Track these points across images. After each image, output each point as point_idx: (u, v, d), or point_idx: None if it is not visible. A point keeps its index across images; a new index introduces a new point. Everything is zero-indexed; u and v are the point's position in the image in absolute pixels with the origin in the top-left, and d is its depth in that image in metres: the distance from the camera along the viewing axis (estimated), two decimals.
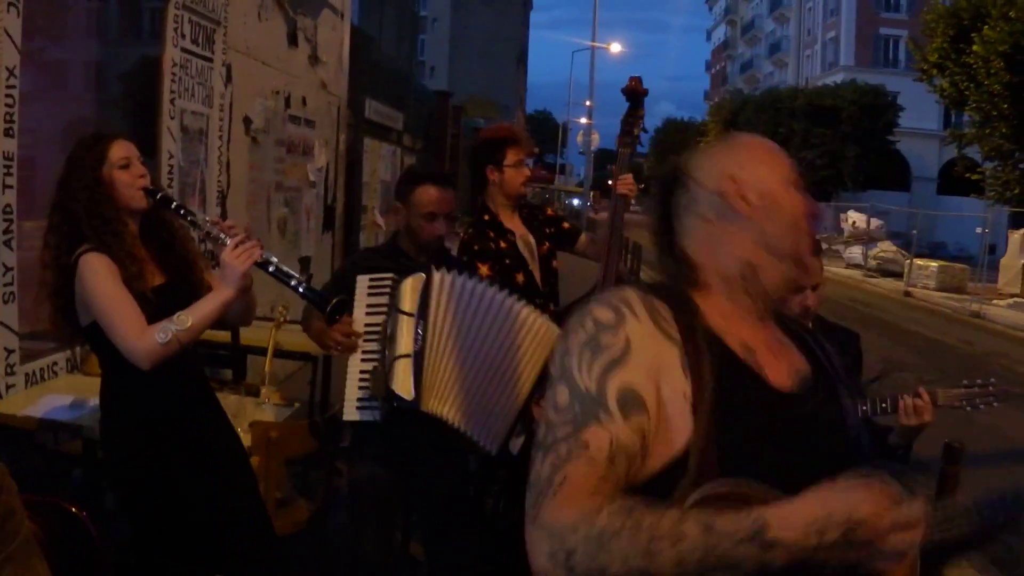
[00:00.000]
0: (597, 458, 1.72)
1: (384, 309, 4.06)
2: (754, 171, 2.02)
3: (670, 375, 1.83)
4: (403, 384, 3.97)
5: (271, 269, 3.45)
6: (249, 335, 6.50)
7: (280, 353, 5.93)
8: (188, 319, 3.36)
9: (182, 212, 3.57)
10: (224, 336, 6.55)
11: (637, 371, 1.81)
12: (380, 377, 4.00)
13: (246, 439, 4.52)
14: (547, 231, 5.15)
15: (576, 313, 1.92)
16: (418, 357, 3.99)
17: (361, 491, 4.27)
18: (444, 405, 4.02)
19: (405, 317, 4.02)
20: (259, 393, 5.28)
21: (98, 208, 3.49)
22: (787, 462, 1.80)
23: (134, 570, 3.72)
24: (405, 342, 4.01)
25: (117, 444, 3.69)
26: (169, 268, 3.59)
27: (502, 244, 4.91)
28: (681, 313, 1.92)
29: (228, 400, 4.71)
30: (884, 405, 4.17)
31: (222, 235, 3.46)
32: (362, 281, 4.12)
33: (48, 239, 3.54)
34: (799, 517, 1.57)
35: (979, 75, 26.07)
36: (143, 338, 3.34)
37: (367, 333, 4.07)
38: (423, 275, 4.04)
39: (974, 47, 25.72)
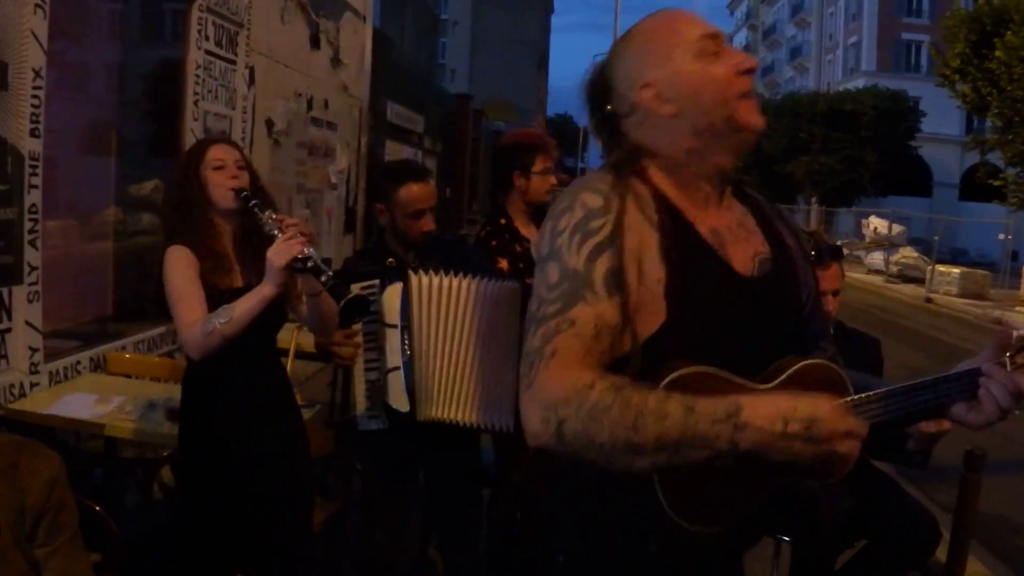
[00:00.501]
0: (584, 333, 1.90)
1: (376, 316, 4.05)
2: (663, 66, 2.09)
3: (649, 260, 1.99)
4: (397, 397, 3.99)
5: (309, 264, 3.45)
6: None
7: (301, 355, 5.94)
8: (230, 313, 3.42)
9: (255, 210, 3.61)
10: None
11: (622, 255, 1.96)
12: (379, 390, 4.03)
13: None
14: None
15: (566, 196, 2.06)
16: (407, 368, 3.99)
17: (373, 493, 4.29)
18: (442, 408, 4.01)
19: (390, 329, 4.02)
20: None
21: (188, 205, 3.64)
22: (748, 343, 2.04)
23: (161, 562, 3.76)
24: (393, 355, 4.01)
25: (190, 425, 3.83)
26: (259, 272, 3.62)
27: (517, 248, 4.92)
28: (660, 200, 2.07)
29: None
30: None
31: (277, 231, 3.49)
32: (354, 290, 4.06)
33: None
34: (769, 406, 1.79)
35: (1001, 80, 25.94)
36: (191, 328, 3.45)
37: (366, 342, 4.07)
38: (400, 284, 4.01)
39: (996, 52, 25.59)
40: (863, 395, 2.03)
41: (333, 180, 11.10)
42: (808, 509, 3.97)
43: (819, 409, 1.80)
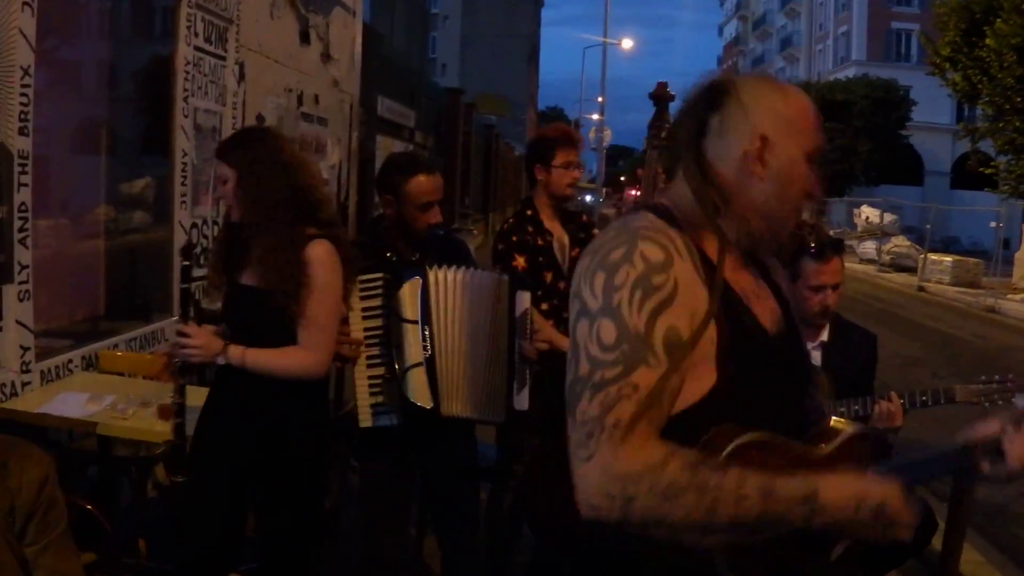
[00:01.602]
0: (646, 401, 1.83)
1: (380, 311, 4.03)
2: (787, 140, 2.09)
3: (703, 321, 1.93)
4: (421, 394, 4.00)
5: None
6: None
7: None
8: None
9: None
10: None
11: (682, 314, 1.91)
12: (394, 387, 4.01)
13: None
14: (580, 236, 5.12)
15: (621, 242, 1.97)
16: (430, 364, 4.01)
17: (374, 488, 4.28)
18: (459, 404, 4.05)
19: (409, 325, 4.01)
20: None
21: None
22: (782, 401, 2.07)
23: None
24: (414, 351, 4.01)
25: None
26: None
27: (539, 241, 4.92)
28: (705, 258, 2.02)
29: None
30: (924, 398, 4.18)
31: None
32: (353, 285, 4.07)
33: None
34: (845, 489, 1.84)
35: (992, 69, 25.97)
36: None
37: (368, 338, 4.04)
38: (419, 278, 4.01)
39: (987, 41, 25.62)
40: (907, 460, 2.10)
41: (324, 175, 11.09)
42: None
43: (889, 496, 1.87)
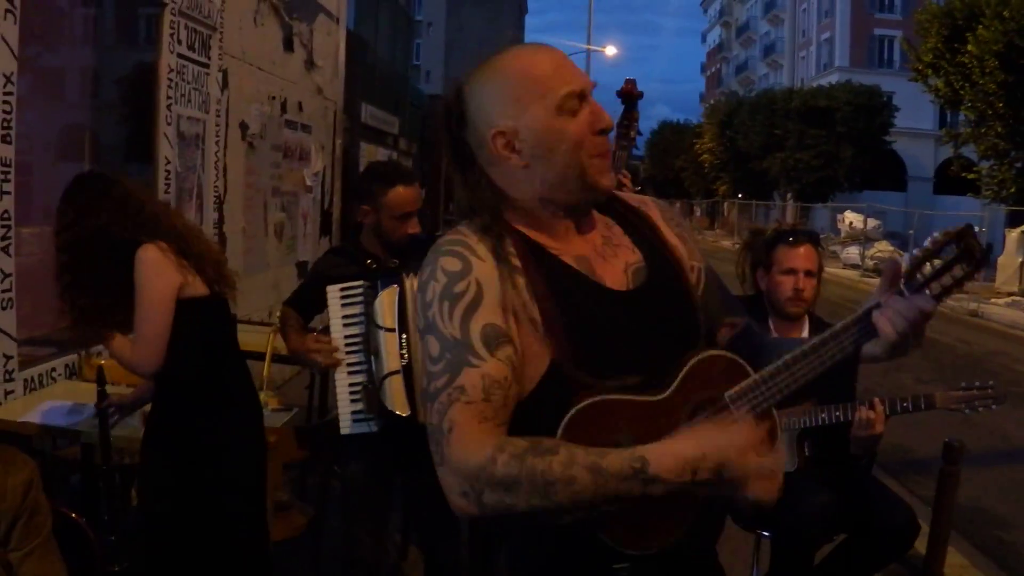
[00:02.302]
0: (474, 398, 1.90)
1: (360, 319, 4.04)
2: (520, 117, 2.06)
3: (521, 306, 2.00)
4: (398, 401, 3.97)
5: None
6: (247, 340, 6.48)
7: (278, 358, 5.91)
8: None
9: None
10: None
11: (493, 309, 1.98)
12: (372, 394, 4.01)
13: None
14: None
15: (427, 264, 2.05)
16: (407, 372, 3.98)
17: (354, 492, 4.28)
18: None
19: (387, 333, 3.99)
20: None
21: None
22: (642, 353, 2.06)
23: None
24: (392, 358, 3.98)
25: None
26: None
27: None
28: (520, 242, 2.08)
29: None
30: (905, 405, 4.20)
31: None
32: (332, 292, 4.08)
33: None
34: (675, 457, 1.80)
35: (974, 74, 26.08)
36: None
37: (348, 345, 4.06)
38: (396, 286, 3.99)
39: (968, 47, 25.74)
40: (765, 371, 2.05)
41: (308, 183, 11.08)
42: (787, 505, 3.99)
43: (727, 453, 1.82)
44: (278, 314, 5.82)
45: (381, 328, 3.99)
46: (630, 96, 4.71)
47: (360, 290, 4.03)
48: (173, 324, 3.65)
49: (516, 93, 2.06)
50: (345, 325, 4.05)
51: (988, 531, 7.57)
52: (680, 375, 2.04)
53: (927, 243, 2.05)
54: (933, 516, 6.17)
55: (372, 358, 4.01)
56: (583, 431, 1.91)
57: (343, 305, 4.06)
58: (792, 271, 4.39)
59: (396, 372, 3.98)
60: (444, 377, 1.93)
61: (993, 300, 25.59)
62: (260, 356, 5.71)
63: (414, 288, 3.98)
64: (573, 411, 1.93)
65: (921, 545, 5.74)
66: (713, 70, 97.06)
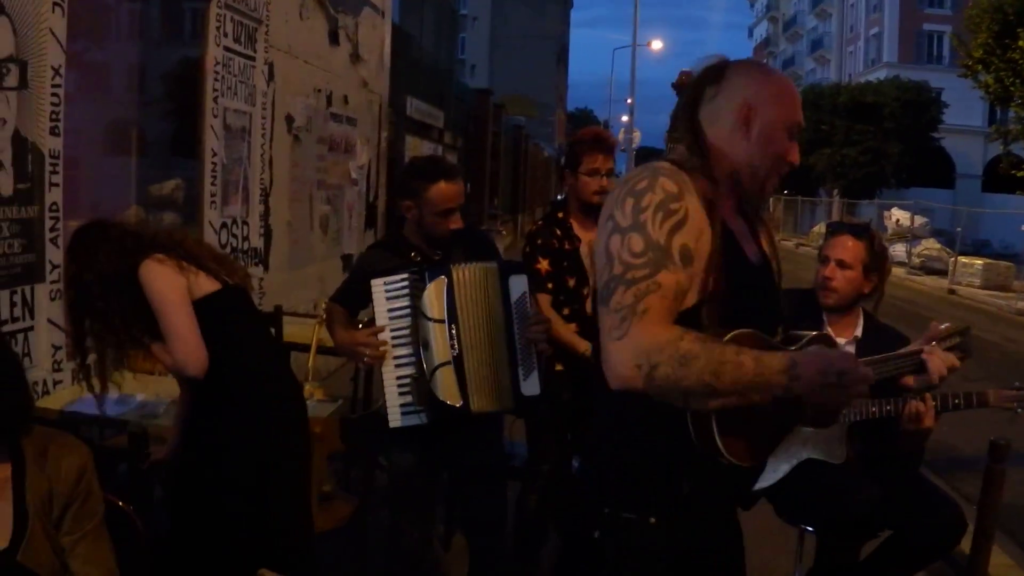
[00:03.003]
0: (668, 295, 2.32)
1: (407, 311, 4.04)
2: (768, 110, 2.58)
3: (705, 241, 2.41)
4: (450, 392, 4.01)
5: None
6: (292, 332, 6.53)
7: (323, 350, 5.93)
8: None
9: None
10: None
11: (692, 234, 2.38)
12: (423, 386, 4.01)
13: None
14: None
15: (645, 177, 2.43)
16: (458, 362, 4.02)
17: (400, 484, 4.29)
18: (487, 399, 4.06)
19: (436, 324, 4.02)
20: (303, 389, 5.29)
21: None
22: (760, 312, 2.55)
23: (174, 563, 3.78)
24: (442, 349, 4.01)
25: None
26: None
27: (566, 245, 4.89)
28: (706, 198, 2.47)
29: None
30: (957, 401, 4.17)
31: None
32: (377, 286, 4.06)
33: None
34: (816, 362, 2.27)
35: None
36: None
37: (395, 337, 4.05)
38: (444, 278, 4.01)
39: (1019, 43, 25.49)
40: (872, 357, 2.78)
41: (353, 176, 11.11)
42: (833, 500, 3.97)
43: (847, 363, 2.27)
44: (323, 306, 5.86)
45: (430, 320, 4.01)
46: (684, 88, 4.70)
47: (406, 282, 4.03)
48: (201, 326, 3.67)
49: (774, 93, 2.60)
50: (391, 318, 4.04)
51: None
52: (804, 341, 2.60)
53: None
54: (978, 514, 6.11)
55: (421, 350, 4.01)
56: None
57: (388, 298, 4.05)
58: (826, 260, 4.39)
59: (447, 363, 4.01)
60: (646, 270, 2.31)
61: None
62: (306, 348, 5.74)
63: (462, 278, 4.00)
64: (736, 332, 2.35)
65: (966, 544, 5.69)
66: None
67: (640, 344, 2.25)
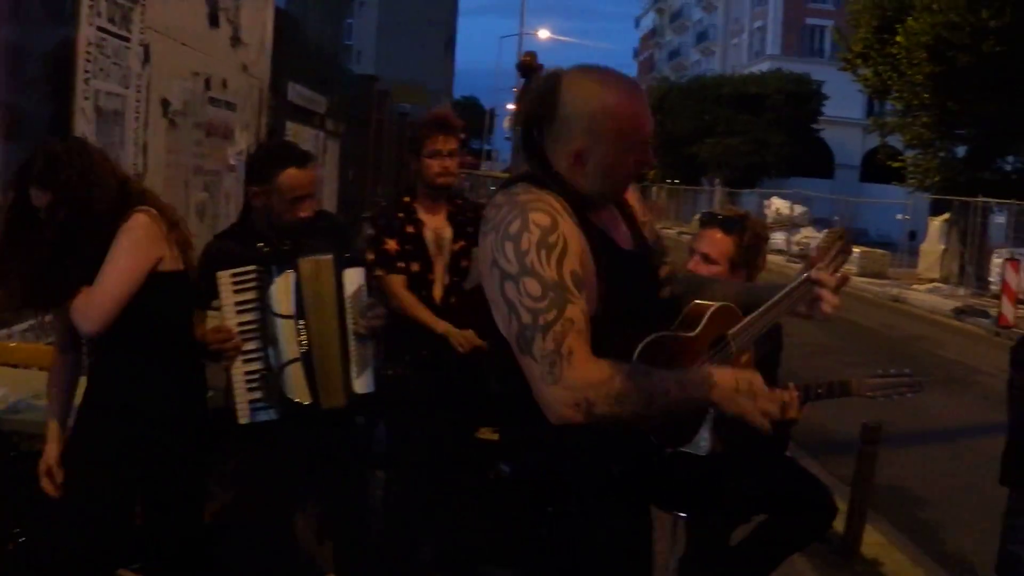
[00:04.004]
0: (581, 328, 2.38)
1: (254, 304, 3.93)
2: (604, 144, 2.57)
3: (587, 259, 2.49)
4: (299, 390, 3.96)
5: None
6: None
7: None
8: None
9: None
10: None
11: (575, 258, 2.44)
12: (273, 383, 3.94)
13: None
14: (469, 230, 4.99)
15: (516, 216, 2.45)
16: (307, 358, 3.95)
17: (259, 481, 4.19)
18: (336, 395, 4.01)
19: (284, 320, 3.94)
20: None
21: None
22: (646, 302, 2.71)
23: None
24: (291, 345, 3.94)
25: None
26: None
27: (409, 228, 4.85)
28: (576, 209, 2.55)
29: None
30: (820, 391, 4.22)
31: None
32: (224, 278, 3.91)
33: None
34: (729, 377, 2.40)
35: (902, 65, 26.36)
36: None
37: (243, 332, 3.93)
38: (292, 272, 3.93)
39: (898, 38, 26.00)
40: (749, 318, 2.82)
41: (232, 162, 10.92)
42: (702, 486, 4.00)
43: (754, 382, 2.42)
44: None
45: (278, 316, 3.93)
46: (529, 68, 4.66)
47: (253, 275, 3.92)
48: (141, 293, 3.47)
49: (608, 129, 2.57)
50: (239, 312, 3.92)
51: (906, 510, 7.68)
52: (704, 319, 2.71)
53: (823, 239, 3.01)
54: (852, 495, 6.25)
55: (269, 347, 3.93)
56: (648, 359, 2.48)
57: (236, 291, 3.92)
58: (692, 252, 4.36)
59: (296, 360, 3.94)
60: (553, 311, 2.36)
61: (915, 286, 26.05)
62: None
63: (310, 271, 3.91)
64: (643, 344, 2.49)
65: (840, 524, 5.81)
66: (646, 55, 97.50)
67: (575, 387, 2.33)
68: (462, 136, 5.10)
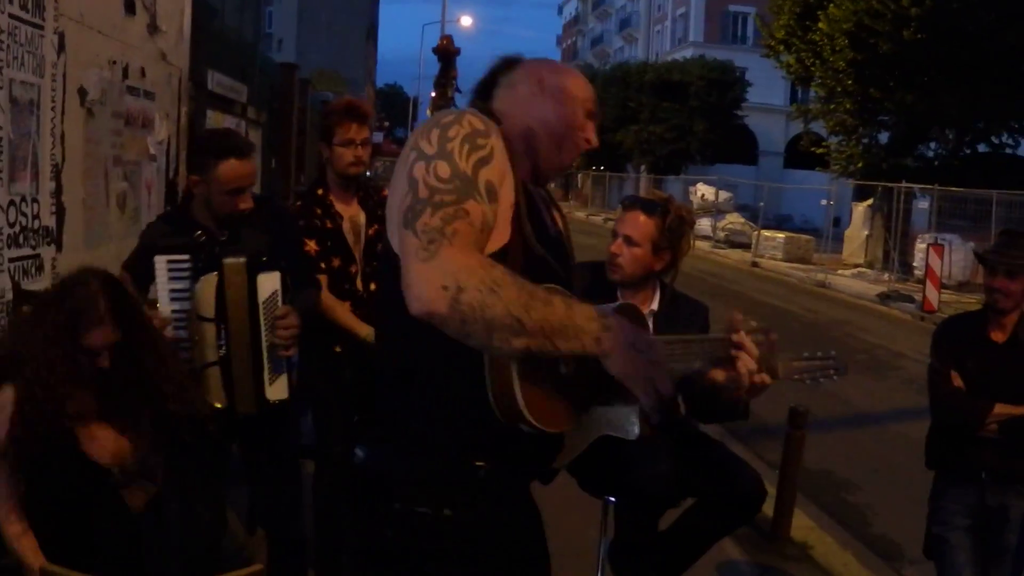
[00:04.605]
0: (475, 224, 2.27)
1: (187, 294, 3.88)
2: (560, 79, 2.68)
3: (507, 187, 2.41)
4: (216, 394, 3.91)
5: None
6: None
7: None
8: None
9: None
10: None
11: (496, 173, 2.37)
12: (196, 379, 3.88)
13: None
14: (379, 213, 4.90)
15: (452, 112, 2.45)
16: (225, 364, 3.90)
17: (189, 468, 4.12)
18: (250, 402, 3.96)
19: (206, 323, 3.88)
20: None
21: None
22: (553, 276, 2.47)
23: None
24: (210, 349, 3.90)
25: None
26: None
27: (327, 224, 4.78)
28: (511, 150, 2.48)
29: None
30: None
31: None
32: (160, 263, 3.88)
33: None
34: (629, 324, 2.31)
35: (824, 52, 26.69)
36: None
37: (175, 320, 3.89)
38: (216, 273, 3.87)
39: (820, 25, 26.32)
40: (664, 336, 2.69)
41: (152, 151, 10.75)
42: (626, 475, 3.97)
43: (655, 346, 2.33)
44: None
45: (201, 318, 3.87)
46: (447, 53, 4.61)
47: (187, 266, 3.87)
48: None
49: (569, 82, 2.71)
50: (172, 299, 3.88)
51: (834, 493, 7.77)
52: (615, 305, 2.55)
53: None
54: (780, 480, 6.29)
55: (192, 345, 3.88)
56: None
57: (171, 279, 3.88)
58: (615, 235, 4.33)
59: (214, 364, 3.89)
60: (453, 195, 2.26)
61: (840, 271, 26.38)
62: None
63: (232, 273, 3.87)
64: (546, 286, 2.31)
65: (769, 508, 5.85)
66: (569, 43, 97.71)
67: (448, 266, 2.16)
68: (385, 125, 5.04)
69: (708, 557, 4.54)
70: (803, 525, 6.53)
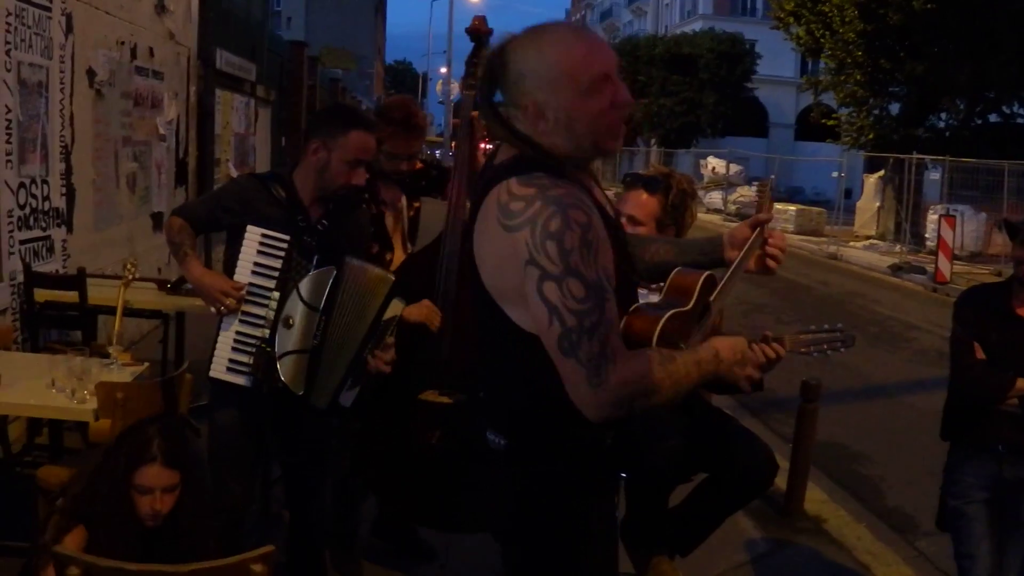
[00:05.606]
0: (616, 324, 2.44)
1: (275, 273, 3.86)
2: (556, 93, 2.52)
3: (608, 244, 2.50)
4: (295, 379, 3.89)
5: None
6: (98, 294, 6.28)
7: (130, 312, 5.73)
8: None
9: None
10: (72, 296, 6.31)
11: (606, 252, 2.47)
12: (267, 357, 3.87)
13: (92, 401, 4.36)
14: (422, 184, 4.98)
15: (548, 212, 2.40)
16: (315, 354, 3.90)
17: (220, 438, 4.13)
18: (325, 396, 3.97)
19: (307, 309, 3.88)
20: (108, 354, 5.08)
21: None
22: (628, 267, 2.77)
23: None
24: (303, 336, 3.88)
25: None
26: None
27: (372, 208, 4.75)
28: (584, 192, 2.55)
29: (74, 362, 4.52)
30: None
31: None
32: (254, 233, 3.86)
33: None
34: (727, 348, 2.59)
35: (834, 23, 26.50)
36: None
37: (251, 294, 3.87)
38: (334, 269, 3.87)
39: None
40: (722, 282, 2.95)
41: (162, 131, 10.76)
42: (638, 448, 3.97)
43: (744, 351, 2.65)
44: (129, 266, 5.61)
45: (304, 302, 3.87)
46: (478, 34, 4.58)
47: (285, 246, 3.87)
48: None
49: (556, 70, 2.52)
50: (254, 273, 3.87)
51: (846, 466, 7.76)
52: (696, 292, 2.85)
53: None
54: (793, 453, 6.28)
55: (280, 324, 3.87)
56: (665, 340, 2.61)
57: (260, 252, 3.87)
58: (618, 215, 4.31)
59: (303, 351, 3.88)
60: (597, 313, 2.37)
61: (852, 243, 26.31)
62: (112, 311, 5.53)
63: (353, 276, 3.91)
64: (659, 327, 2.63)
65: (782, 481, 5.84)
66: (578, 16, 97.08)
67: (619, 388, 2.36)
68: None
69: (721, 531, 4.53)
70: (816, 498, 6.52)
